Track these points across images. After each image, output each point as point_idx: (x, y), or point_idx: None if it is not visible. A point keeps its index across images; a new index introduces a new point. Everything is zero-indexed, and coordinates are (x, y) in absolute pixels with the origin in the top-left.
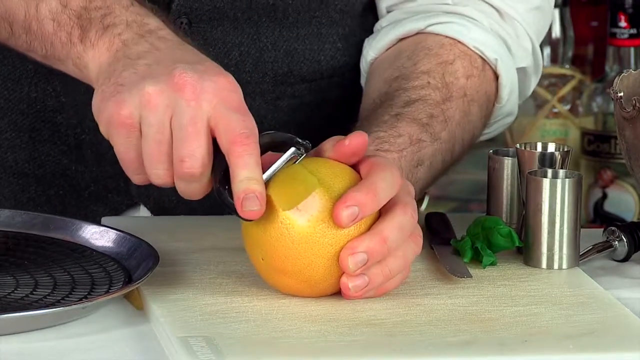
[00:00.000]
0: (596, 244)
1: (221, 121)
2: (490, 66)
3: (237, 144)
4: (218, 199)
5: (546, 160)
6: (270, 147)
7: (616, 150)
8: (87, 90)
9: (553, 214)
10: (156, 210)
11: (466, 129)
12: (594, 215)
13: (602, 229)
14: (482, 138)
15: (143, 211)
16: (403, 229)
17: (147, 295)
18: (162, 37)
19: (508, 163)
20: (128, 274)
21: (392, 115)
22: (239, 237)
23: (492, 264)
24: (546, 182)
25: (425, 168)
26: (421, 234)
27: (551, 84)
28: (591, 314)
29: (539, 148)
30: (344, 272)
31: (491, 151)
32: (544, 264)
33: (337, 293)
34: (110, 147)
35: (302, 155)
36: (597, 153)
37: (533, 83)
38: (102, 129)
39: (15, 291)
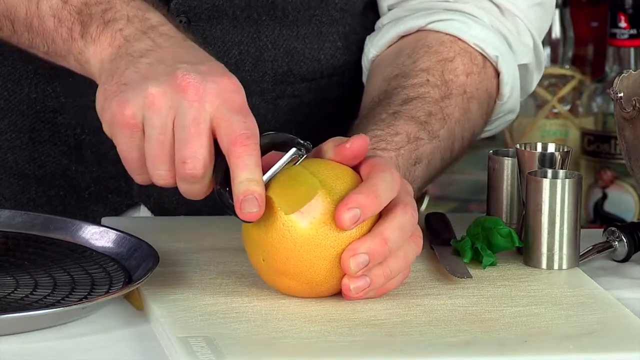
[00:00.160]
0: (596, 244)
1: (223, 122)
2: (491, 63)
3: (238, 145)
4: (218, 200)
5: (546, 161)
6: (271, 148)
7: (616, 150)
8: (87, 91)
9: (553, 214)
10: (157, 211)
11: (466, 126)
12: (594, 215)
13: (602, 229)
14: (484, 135)
15: (144, 211)
16: (404, 229)
17: (147, 296)
18: (164, 33)
19: (508, 163)
20: (128, 275)
21: (389, 113)
22: (239, 237)
23: (492, 264)
24: (546, 183)
25: (423, 166)
26: (421, 234)
27: (551, 84)
28: (591, 314)
29: (539, 148)
30: (345, 274)
31: (491, 151)
32: (544, 264)
33: (338, 293)
34: (110, 148)
35: (303, 156)
36: (597, 153)
37: (535, 79)
38: (105, 128)
39: (15, 291)
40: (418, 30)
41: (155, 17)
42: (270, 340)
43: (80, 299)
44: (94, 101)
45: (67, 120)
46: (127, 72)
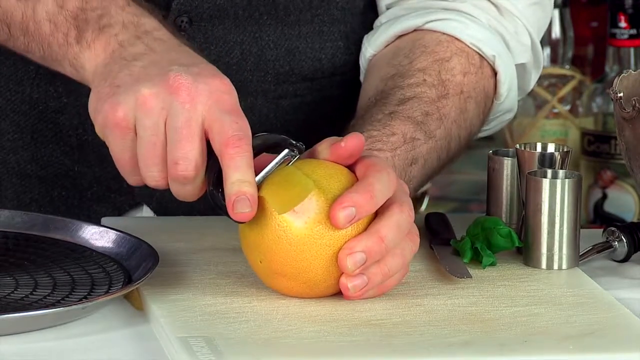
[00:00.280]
0: (596, 245)
1: (214, 123)
2: (489, 63)
3: (230, 146)
4: (211, 202)
5: (546, 161)
6: (263, 149)
7: (616, 150)
8: (89, 92)
9: (553, 214)
10: (159, 211)
11: (462, 126)
12: (594, 215)
13: (602, 229)
14: (481, 135)
15: (146, 211)
16: (400, 227)
17: (147, 296)
18: (158, 38)
19: (508, 163)
20: (128, 275)
21: (386, 113)
22: (238, 237)
23: (492, 264)
24: (546, 183)
25: (419, 166)
26: (418, 232)
27: (551, 84)
28: (591, 314)
29: (539, 148)
30: (342, 273)
31: (491, 151)
32: (543, 264)
33: (337, 293)
34: None
35: (296, 156)
36: (597, 153)
37: (534, 78)
38: (98, 130)
39: (15, 291)
40: (415, 30)
41: (150, 23)
42: (270, 340)
43: (80, 299)
44: None
45: (69, 120)
46: (120, 74)
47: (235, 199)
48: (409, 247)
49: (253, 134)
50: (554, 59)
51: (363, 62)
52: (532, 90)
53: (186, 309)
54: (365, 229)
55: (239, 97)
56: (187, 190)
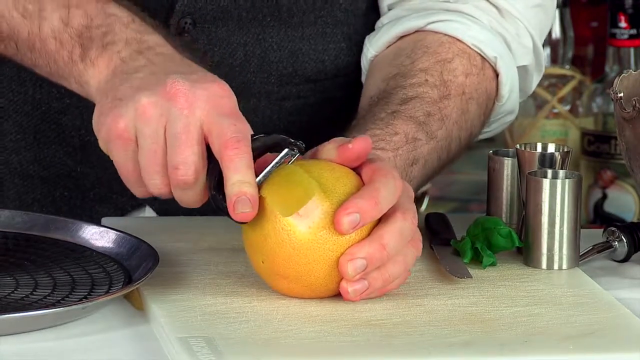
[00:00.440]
0: (596, 245)
1: (213, 127)
2: (490, 64)
3: (229, 148)
4: (213, 204)
5: (546, 161)
6: (263, 150)
7: (616, 150)
8: None
9: (553, 214)
10: (161, 211)
11: (463, 127)
12: (594, 215)
13: (602, 229)
14: (483, 137)
15: (148, 212)
16: (403, 234)
17: (147, 296)
18: (161, 53)
19: (508, 163)
20: (128, 275)
21: (388, 112)
22: (239, 237)
23: (492, 264)
24: (546, 183)
25: (420, 167)
26: (421, 238)
27: (551, 84)
28: (591, 314)
29: (539, 148)
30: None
31: (491, 151)
32: (544, 265)
33: (338, 294)
34: None
35: (296, 155)
36: (597, 153)
37: (535, 81)
38: (102, 145)
39: (15, 291)
40: (417, 31)
41: (153, 39)
42: (270, 340)
43: (80, 299)
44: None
45: (71, 121)
46: (121, 88)
47: (235, 200)
48: (411, 253)
49: (253, 135)
50: (554, 59)
51: (365, 62)
52: None
53: (186, 309)
54: (369, 234)
55: (242, 99)
56: (189, 195)
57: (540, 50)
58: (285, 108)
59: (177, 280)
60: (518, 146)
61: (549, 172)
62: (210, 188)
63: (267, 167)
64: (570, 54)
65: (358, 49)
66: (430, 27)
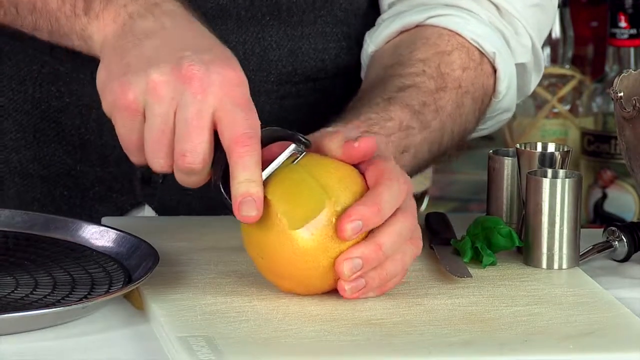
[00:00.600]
0: (596, 244)
1: (225, 117)
2: (488, 60)
3: (240, 144)
4: (215, 193)
5: (546, 160)
6: (270, 142)
7: (616, 150)
8: (91, 92)
9: (553, 214)
10: (160, 210)
11: (457, 121)
12: (594, 215)
13: (602, 229)
14: (479, 134)
15: (148, 211)
16: (401, 235)
17: (147, 295)
18: (168, 10)
19: (508, 163)
20: (128, 274)
21: (384, 98)
22: (239, 237)
23: (492, 264)
24: (546, 182)
25: (410, 156)
26: (421, 236)
27: (551, 84)
28: (591, 314)
29: (539, 148)
30: None
31: (491, 151)
32: (544, 264)
33: (337, 292)
34: (112, 149)
35: (302, 152)
36: (597, 153)
37: (534, 81)
38: (106, 108)
39: (15, 291)
40: (417, 26)
41: None
42: (270, 340)
43: (80, 299)
44: (97, 101)
45: (71, 120)
46: (130, 52)
47: (241, 200)
48: (410, 251)
49: (261, 126)
50: (554, 59)
51: (364, 58)
52: None
53: (186, 308)
54: (367, 235)
55: None
56: (193, 180)
57: (539, 50)
58: (285, 107)
59: (177, 280)
60: (518, 146)
61: (549, 171)
62: (216, 180)
63: (272, 162)
64: (570, 54)
65: (358, 48)
66: (430, 21)
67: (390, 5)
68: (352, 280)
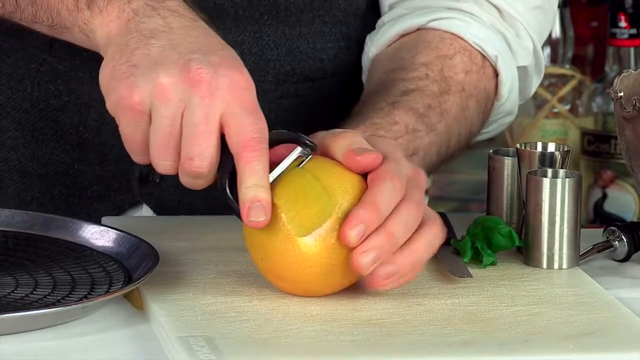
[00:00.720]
0: (596, 244)
1: (233, 121)
2: (491, 63)
3: (248, 150)
4: (222, 195)
5: (546, 160)
6: (275, 145)
7: (616, 150)
8: (89, 90)
9: (553, 214)
10: (158, 210)
11: (463, 124)
12: (594, 215)
13: (602, 229)
14: (481, 137)
15: (146, 210)
16: (407, 224)
17: (147, 295)
18: (174, 9)
19: (508, 163)
20: (128, 274)
21: (388, 102)
22: (239, 237)
23: (492, 263)
24: (546, 182)
25: (419, 159)
26: (438, 221)
27: (551, 84)
28: (591, 314)
29: (539, 148)
30: (343, 280)
31: (491, 151)
32: (544, 264)
33: (338, 292)
34: (111, 147)
35: (308, 155)
36: (597, 153)
37: (535, 83)
38: (110, 108)
39: (15, 291)
40: (419, 29)
41: None
42: (270, 340)
43: (80, 299)
44: (96, 100)
45: (69, 118)
46: (137, 52)
47: (249, 206)
48: (432, 233)
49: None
50: (554, 59)
51: (365, 61)
52: None
53: (186, 308)
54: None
55: None
56: (198, 183)
57: (540, 52)
58: (283, 107)
59: (177, 280)
60: (518, 145)
61: (549, 171)
62: (223, 183)
63: (278, 164)
64: (570, 54)
65: (357, 48)
66: (431, 24)
67: (391, 7)
68: (382, 265)
